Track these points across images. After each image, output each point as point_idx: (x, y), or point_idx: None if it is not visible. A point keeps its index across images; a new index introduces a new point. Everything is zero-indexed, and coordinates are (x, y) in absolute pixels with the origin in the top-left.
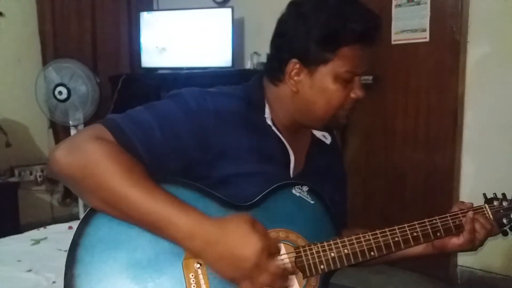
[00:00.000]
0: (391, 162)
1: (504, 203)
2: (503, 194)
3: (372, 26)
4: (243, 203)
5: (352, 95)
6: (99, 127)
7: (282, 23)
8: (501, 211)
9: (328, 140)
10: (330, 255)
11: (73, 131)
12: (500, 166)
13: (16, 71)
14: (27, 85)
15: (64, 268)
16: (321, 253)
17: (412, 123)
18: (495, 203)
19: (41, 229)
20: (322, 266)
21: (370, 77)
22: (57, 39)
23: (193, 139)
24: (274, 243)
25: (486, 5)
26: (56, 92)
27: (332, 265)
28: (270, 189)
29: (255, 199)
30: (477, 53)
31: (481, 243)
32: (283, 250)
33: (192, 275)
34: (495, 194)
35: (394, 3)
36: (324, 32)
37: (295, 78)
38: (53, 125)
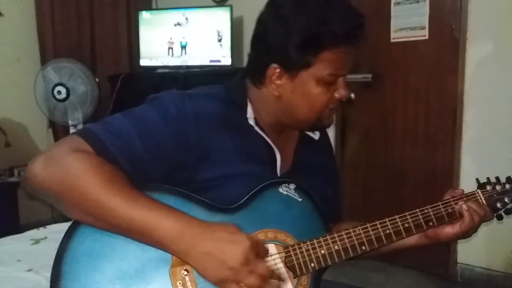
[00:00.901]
0: (391, 161)
1: (498, 187)
2: (497, 178)
3: (354, 27)
4: (230, 205)
5: (336, 95)
6: (77, 139)
7: (261, 23)
8: (495, 195)
9: (316, 135)
10: (320, 252)
11: (72, 131)
12: (500, 164)
13: (15, 70)
14: (26, 84)
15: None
16: (311, 251)
17: (412, 121)
18: (488, 187)
19: (41, 228)
20: (312, 264)
21: (370, 75)
22: (56, 38)
23: (174, 145)
24: (262, 244)
25: (486, 3)
26: (55, 92)
27: (322, 263)
28: (256, 189)
29: (241, 201)
30: (476, 50)
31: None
32: (272, 250)
33: (180, 283)
34: (488, 178)
35: (393, 1)
36: (304, 36)
37: (276, 82)
38: (52, 124)
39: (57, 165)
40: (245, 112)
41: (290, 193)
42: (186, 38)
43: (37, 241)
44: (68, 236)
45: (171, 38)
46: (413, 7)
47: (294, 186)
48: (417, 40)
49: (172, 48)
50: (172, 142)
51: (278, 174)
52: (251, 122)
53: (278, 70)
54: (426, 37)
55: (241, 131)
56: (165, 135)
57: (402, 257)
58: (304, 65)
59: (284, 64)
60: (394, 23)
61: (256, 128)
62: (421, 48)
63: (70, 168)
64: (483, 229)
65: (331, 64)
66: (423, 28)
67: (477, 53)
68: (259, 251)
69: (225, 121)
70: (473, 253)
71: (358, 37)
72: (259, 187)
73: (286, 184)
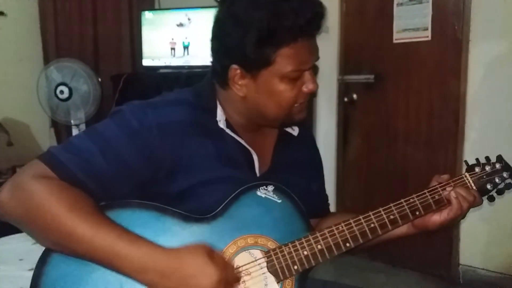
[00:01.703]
0: (393, 162)
1: (487, 168)
2: (487, 158)
3: (309, 19)
4: (207, 214)
5: (304, 89)
6: (39, 164)
7: (216, 23)
8: (484, 176)
9: (295, 131)
10: (303, 254)
11: (74, 130)
12: None
13: (17, 70)
14: (28, 84)
15: None
16: (293, 253)
17: (414, 122)
18: (477, 169)
19: None
20: (295, 267)
21: (372, 76)
22: (58, 38)
23: (139, 160)
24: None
25: (489, 4)
26: (57, 91)
27: (306, 264)
28: (233, 195)
29: (218, 209)
30: (479, 52)
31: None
32: (257, 255)
33: None
34: (477, 159)
35: (395, 1)
36: (259, 34)
37: (239, 82)
38: (54, 124)
39: (21, 194)
40: (215, 115)
41: (268, 195)
42: (188, 38)
43: None
44: (42, 261)
45: (173, 39)
46: (416, 8)
47: (273, 187)
48: (419, 41)
49: (174, 49)
50: (137, 158)
51: (258, 175)
52: (222, 125)
53: (238, 71)
54: (429, 38)
55: (213, 136)
56: (129, 151)
57: (404, 258)
58: (264, 64)
59: (243, 64)
60: (397, 24)
61: (228, 131)
62: (423, 49)
63: (33, 197)
64: (485, 230)
65: (293, 60)
66: (426, 29)
67: (479, 54)
68: (229, 281)
69: (194, 127)
70: (475, 254)
71: (316, 27)
72: (236, 192)
73: (264, 187)
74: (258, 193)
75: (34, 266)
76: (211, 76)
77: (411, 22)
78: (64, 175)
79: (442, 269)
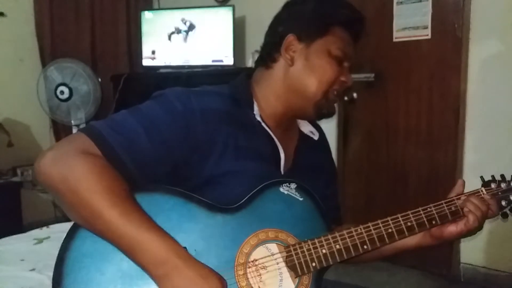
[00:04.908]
0: (393, 160)
1: (503, 185)
2: (502, 176)
3: (359, 19)
4: (231, 204)
5: (342, 78)
6: (84, 138)
7: (279, 12)
8: (499, 193)
9: (316, 136)
10: (322, 252)
11: (74, 131)
12: (503, 163)
13: (18, 71)
14: (29, 84)
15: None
16: (312, 251)
17: (414, 120)
18: (493, 185)
19: (44, 228)
20: (313, 264)
21: (372, 75)
22: (56, 39)
23: (180, 141)
24: None
25: (488, 2)
26: (58, 92)
27: (324, 262)
28: (257, 189)
29: (242, 201)
30: (479, 50)
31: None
32: (274, 249)
33: None
34: (493, 176)
35: (395, 0)
36: (319, 10)
37: (291, 53)
38: (55, 124)
39: (63, 165)
40: (252, 109)
41: (291, 192)
42: (188, 38)
43: (40, 241)
44: (70, 237)
45: (172, 38)
46: (416, 6)
47: (295, 185)
48: (419, 39)
49: (174, 48)
50: (178, 138)
51: (282, 173)
52: (258, 118)
53: (294, 41)
54: (429, 37)
55: (247, 128)
56: (171, 131)
57: (405, 256)
58: (318, 34)
59: (300, 33)
60: (397, 23)
61: (263, 125)
62: (423, 47)
63: (74, 170)
64: (486, 228)
65: (341, 41)
66: (426, 27)
67: (479, 52)
68: None
69: (231, 118)
70: (476, 252)
71: (360, 31)
72: (260, 186)
73: (287, 184)
74: (281, 189)
75: (35, 266)
76: (257, 62)
77: (411, 21)
78: (108, 153)
79: (443, 267)
